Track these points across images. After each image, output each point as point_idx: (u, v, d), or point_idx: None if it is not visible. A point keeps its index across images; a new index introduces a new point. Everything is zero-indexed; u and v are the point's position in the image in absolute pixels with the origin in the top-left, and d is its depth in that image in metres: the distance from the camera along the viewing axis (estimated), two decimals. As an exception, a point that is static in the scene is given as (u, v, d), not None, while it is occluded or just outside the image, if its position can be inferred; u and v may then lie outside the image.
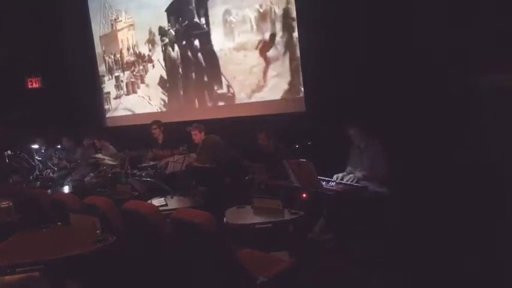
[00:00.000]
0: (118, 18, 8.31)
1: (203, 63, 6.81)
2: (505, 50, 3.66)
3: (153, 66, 7.67)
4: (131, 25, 8.08)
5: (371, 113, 4.47)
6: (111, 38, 8.50)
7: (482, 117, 3.83)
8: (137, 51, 7.93)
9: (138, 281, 3.14)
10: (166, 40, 7.37)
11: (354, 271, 3.46)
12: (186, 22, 6.95)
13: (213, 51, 6.58)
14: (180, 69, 7.20)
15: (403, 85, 4.35)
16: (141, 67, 7.92)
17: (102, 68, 8.65)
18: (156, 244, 3.08)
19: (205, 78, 6.81)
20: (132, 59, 8.06)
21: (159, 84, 7.62)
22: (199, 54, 6.83)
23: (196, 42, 6.87)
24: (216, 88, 6.64)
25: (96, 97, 8.66)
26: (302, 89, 5.49)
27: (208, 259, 2.71)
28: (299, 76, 5.51)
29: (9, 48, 8.00)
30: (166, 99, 7.56)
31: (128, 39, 8.20)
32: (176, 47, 7.22)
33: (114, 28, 8.37)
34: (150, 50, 7.71)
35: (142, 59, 7.87)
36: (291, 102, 5.65)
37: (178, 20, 7.11)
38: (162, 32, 7.40)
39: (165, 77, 7.49)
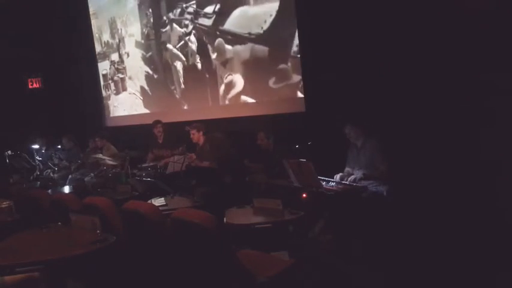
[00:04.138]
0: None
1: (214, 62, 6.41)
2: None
3: (128, 55, 7.55)
4: (93, 14, 8.12)
5: (370, 112, 4.47)
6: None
7: (483, 115, 3.82)
8: (105, 41, 7.92)
9: (138, 281, 3.14)
10: (163, 38, 7.00)
11: (354, 271, 3.46)
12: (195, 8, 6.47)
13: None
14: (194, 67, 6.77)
15: (404, 84, 4.34)
16: (117, 58, 7.80)
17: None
18: (156, 244, 3.07)
19: (208, 76, 6.61)
20: (101, 49, 8.03)
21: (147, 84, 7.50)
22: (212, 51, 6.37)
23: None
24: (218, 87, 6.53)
25: (96, 96, 8.66)
26: (302, 89, 5.48)
27: (208, 259, 2.71)
28: (299, 76, 5.50)
29: (9, 48, 7.99)
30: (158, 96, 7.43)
31: (92, 29, 8.27)
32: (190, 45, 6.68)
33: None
34: (114, 39, 7.69)
35: (111, 49, 7.84)
36: (291, 102, 5.64)
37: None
38: (159, 23, 7.03)
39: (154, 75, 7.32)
